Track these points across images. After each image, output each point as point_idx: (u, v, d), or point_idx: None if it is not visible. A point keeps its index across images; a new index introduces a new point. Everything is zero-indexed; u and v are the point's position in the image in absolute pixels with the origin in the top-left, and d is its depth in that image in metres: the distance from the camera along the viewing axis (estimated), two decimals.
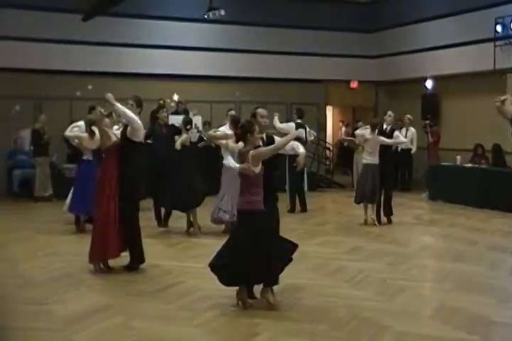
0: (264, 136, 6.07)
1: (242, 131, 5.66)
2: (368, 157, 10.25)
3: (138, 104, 7.21)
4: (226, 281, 5.73)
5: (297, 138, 8.54)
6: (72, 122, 10.92)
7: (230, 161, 8.60)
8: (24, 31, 13.92)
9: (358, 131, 11.26)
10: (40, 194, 12.97)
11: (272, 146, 5.82)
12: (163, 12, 15.36)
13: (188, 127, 9.60)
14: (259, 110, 6.20)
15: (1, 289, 6.37)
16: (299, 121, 12.16)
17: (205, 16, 14.16)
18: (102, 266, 7.10)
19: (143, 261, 7.16)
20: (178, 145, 9.33)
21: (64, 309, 5.68)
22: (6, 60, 13.80)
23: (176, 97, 14.67)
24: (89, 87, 13.59)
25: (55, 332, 5.09)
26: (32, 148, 13.32)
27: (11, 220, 10.75)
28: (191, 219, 9.50)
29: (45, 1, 13.94)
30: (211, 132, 9.18)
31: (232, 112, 10.65)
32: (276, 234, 5.96)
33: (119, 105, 6.86)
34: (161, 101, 13.97)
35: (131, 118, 6.92)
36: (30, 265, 7.38)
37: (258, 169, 5.63)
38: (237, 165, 8.46)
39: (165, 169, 9.62)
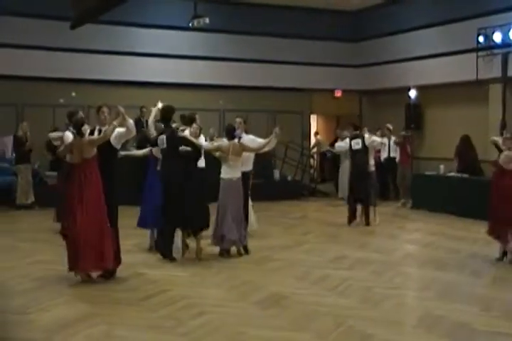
0: None
1: None
2: None
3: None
4: None
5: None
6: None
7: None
8: (7, 37, 13.80)
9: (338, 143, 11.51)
10: (22, 202, 12.84)
11: None
12: (149, 20, 15.35)
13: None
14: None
15: None
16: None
17: (190, 24, 14.17)
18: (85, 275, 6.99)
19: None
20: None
21: (46, 318, 5.61)
22: None
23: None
24: (73, 94, 13.62)
25: None
26: (14, 155, 13.22)
27: None
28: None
29: (30, 8, 13.87)
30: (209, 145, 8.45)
31: (238, 119, 9.41)
32: None
33: (129, 119, 6.99)
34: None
35: (134, 130, 7.04)
36: (12, 274, 7.30)
37: None
38: None
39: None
